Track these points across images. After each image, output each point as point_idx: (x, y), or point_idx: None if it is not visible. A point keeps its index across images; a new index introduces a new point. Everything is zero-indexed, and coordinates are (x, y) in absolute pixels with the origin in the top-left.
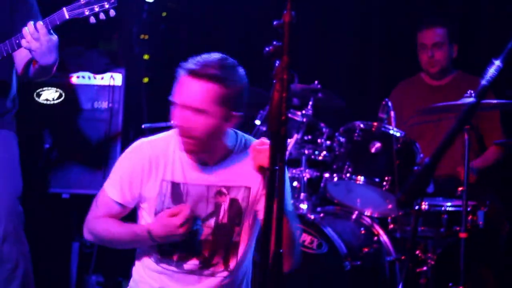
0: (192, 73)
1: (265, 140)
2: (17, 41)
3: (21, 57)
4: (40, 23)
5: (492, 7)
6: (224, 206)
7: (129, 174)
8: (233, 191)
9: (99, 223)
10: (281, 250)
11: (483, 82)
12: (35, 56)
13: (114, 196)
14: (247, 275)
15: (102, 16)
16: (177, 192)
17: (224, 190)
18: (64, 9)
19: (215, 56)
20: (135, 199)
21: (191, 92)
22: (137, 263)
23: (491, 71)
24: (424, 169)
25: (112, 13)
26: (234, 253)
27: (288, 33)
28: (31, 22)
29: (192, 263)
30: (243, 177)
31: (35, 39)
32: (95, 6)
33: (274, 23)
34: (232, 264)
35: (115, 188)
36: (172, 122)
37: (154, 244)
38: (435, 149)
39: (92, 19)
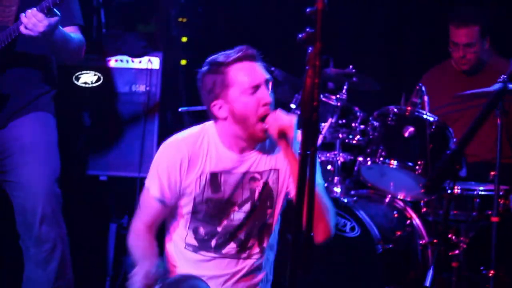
0: (248, 57)
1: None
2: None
3: None
4: (34, 11)
5: None
6: (258, 190)
7: (168, 171)
8: (265, 175)
9: (135, 238)
10: (311, 234)
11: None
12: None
13: (154, 193)
14: (273, 250)
15: None
16: (215, 182)
17: (257, 175)
18: None
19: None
20: (175, 196)
21: (261, 69)
22: (170, 256)
23: None
24: (450, 155)
25: None
26: (267, 234)
27: (320, 20)
28: (29, 11)
29: (230, 247)
30: (271, 160)
31: (33, 26)
32: None
33: (307, 10)
34: (265, 244)
35: (154, 185)
36: (262, 104)
37: (191, 232)
38: (462, 135)
39: None
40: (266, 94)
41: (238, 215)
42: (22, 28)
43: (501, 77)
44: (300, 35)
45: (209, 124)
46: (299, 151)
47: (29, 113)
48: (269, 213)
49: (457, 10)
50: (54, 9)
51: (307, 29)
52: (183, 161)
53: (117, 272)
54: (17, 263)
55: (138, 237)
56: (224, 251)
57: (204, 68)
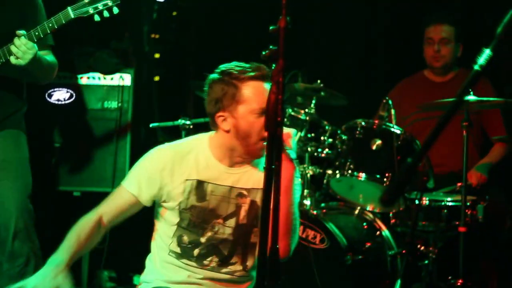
0: (262, 77)
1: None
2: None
3: None
4: (23, 40)
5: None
6: (245, 207)
7: (147, 174)
8: (252, 193)
9: (77, 226)
10: (277, 246)
11: (474, 68)
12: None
13: (130, 188)
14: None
15: (105, 13)
16: (201, 190)
17: (245, 192)
18: (69, 8)
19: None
20: (152, 197)
21: None
22: (153, 257)
23: (483, 58)
24: (406, 169)
25: (115, 10)
26: (252, 253)
27: (283, 38)
28: (17, 40)
29: (212, 260)
30: (260, 179)
31: (23, 54)
32: (99, 4)
33: (270, 28)
34: (250, 264)
35: (132, 182)
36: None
37: (175, 240)
38: (421, 146)
39: (96, 17)
40: None
41: (222, 229)
42: (12, 59)
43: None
44: (263, 53)
45: (203, 136)
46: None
47: (0, 131)
48: (255, 232)
49: (434, 12)
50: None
51: (270, 47)
52: (167, 165)
53: (92, 286)
54: None
55: (79, 227)
56: (205, 262)
57: (216, 75)
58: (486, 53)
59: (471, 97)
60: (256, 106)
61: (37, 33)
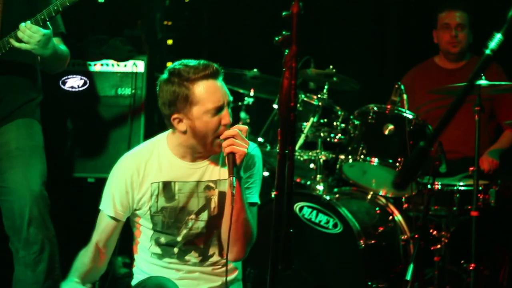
0: (213, 75)
1: (237, 127)
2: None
3: None
4: (28, 24)
5: None
6: (214, 199)
7: (118, 188)
8: (220, 184)
9: (82, 253)
10: (291, 230)
11: (486, 52)
12: (35, 52)
13: (107, 211)
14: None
15: None
16: (169, 191)
17: (212, 184)
18: None
19: (193, 60)
20: (128, 210)
21: (224, 89)
22: (138, 264)
23: (493, 42)
24: (418, 152)
25: None
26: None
27: (296, 24)
28: (22, 25)
29: (192, 256)
30: (226, 170)
31: (29, 38)
32: None
33: (283, 14)
34: (228, 253)
35: (108, 204)
36: (222, 124)
37: (154, 242)
38: (434, 129)
39: None
40: (227, 116)
41: (196, 224)
42: (13, 42)
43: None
44: (276, 38)
45: (161, 136)
46: (238, 177)
47: (14, 120)
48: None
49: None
50: (47, 23)
51: (283, 32)
52: (133, 176)
53: (106, 272)
54: (7, 266)
55: (84, 254)
56: (186, 258)
57: (165, 77)
58: (497, 37)
59: (483, 82)
60: (210, 106)
61: (42, 17)
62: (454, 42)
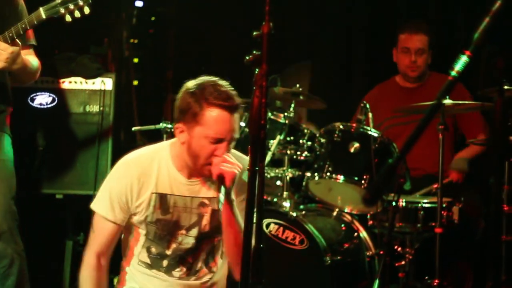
0: (230, 108)
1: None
2: None
3: None
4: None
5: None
6: (206, 217)
7: (118, 193)
8: (214, 201)
9: (85, 273)
10: (261, 245)
11: (452, 74)
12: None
13: (106, 215)
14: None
15: (77, 13)
16: (165, 203)
17: (206, 201)
18: (41, 9)
19: (224, 84)
20: (126, 216)
21: (234, 125)
22: (126, 268)
23: (460, 64)
24: (387, 168)
25: (86, 10)
26: (214, 257)
27: (266, 43)
28: None
29: (180, 271)
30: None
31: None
32: (70, 4)
33: (254, 33)
34: (214, 267)
35: (106, 207)
36: (215, 155)
37: (145, 250)
38: (400, 148)
39: (68, 18)
40: (223, 149)
41: (186, 239)
42: None
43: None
44: (247, 57)
45: (165, 144)
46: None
47: None
48: (217, 238)
49: (409, 22)
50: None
51: (254, 52)
52: (133, 182)
53: (75, 287)
54: None
55: (87, 274)
56: (174, 273)
57: (192, 86)
58: (463, 59)
59: (447, 101)
60: (211, 133)
61: (10, 34)
62: (413, 67)
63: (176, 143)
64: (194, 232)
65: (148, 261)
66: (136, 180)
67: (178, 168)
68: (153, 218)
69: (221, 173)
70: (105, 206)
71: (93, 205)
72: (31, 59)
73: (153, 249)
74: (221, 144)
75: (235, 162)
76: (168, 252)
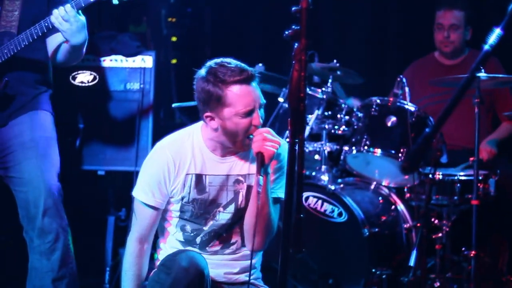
0: (247, 80)
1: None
2: (46, 24)
3: (52, 43)
4: (68, 6)
5: None
6: (242, 192)
7: (156, 178)
8: (249, 178)
9: (129, 263)
10: (302, 215)
11: (485, 48)
12: (66, 36)
13: (147, 201)
14: None
15: None
16: (200, 184)
17: (241, 178)
18: None
19: (230, 60)
20: (166, 199)
21: (257, 93)
22: (162, 246)
23: (493, 37)
24: (425, 138)
25: None
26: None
27: (305, 18)
28: (61, 7)
29: (214, 245)
30: (255, 164)
31: (65, 20)
32: None
33: (293, 8)
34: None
35: (146, 194)
36: (253, 125)
37: (179, 229)
38: (436, 118)
39: (115, 0)
40: (257, 118)
41: (223, 216)
42: (53, 19)
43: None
44: (286, 32)
45: (196, 126)
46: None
47: (28, 112)
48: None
49: None
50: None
51: (293, 27)
52: (170, 166)
53: (116, 262)
54: (22, 255)
55: (130, 262)
56: (208, 248)
57: (202, 75)
58: (497, 32)
59: (482, 75)
60: (240, 108)
61: (78, 3)
62: (446, 42)
63: (206, 128)
64: (231, 208)
65: (182, 238)
66: (172, 163)
67: (211, 148)
68: (190, 198)
69: (260, 151)
70: (145, 193)
71: (134, 192)
72: None
73: (188, 227)
74: (254, 114)
75: (275, 139)
76: (205, 228)
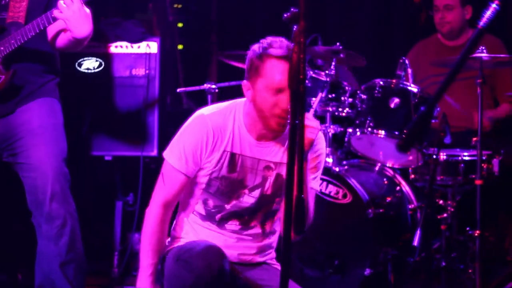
0: (287, 58)
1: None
2: (52, 15)
3: (51, 28)
4: None
5: None
6: (270, 179)
7: (193, 147)
8: (280, 167)
9: (150, 227)
10: (302, 196)
11: (480, 24)
12: (69, 26)
13: (180, 167)
14: (275, 235)
15: None
16: (233, 162)
17: (272, 165)
18: None
19: (283, 39)
20: (197, 169)
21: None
22: (182, 217)
23: (488, 13)
24: (420, 116)
25: None
26: (271, 219)
27: (303, 0)
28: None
29: (233, 224)
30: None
31: (69, 10)
32: None
33: None
34: (268, 227)
35: (179, 160)
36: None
37: (201, 202)
38: (432, 95)
39: None
40: (285, 101)
41: (247, 198)
42: (56, 12)
43: (480, 48)
44: (285, 15)
45: (240, 101)
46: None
47: (35, 99)
48: (277, 201)
49: None
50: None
51: (292, 9)
52: (209, 138)
53: (124, 247)
54: (31, 240)
55: (152, 227)
56: (226, 225)
57: (255, 45)
58: (492, 8)
59: (484, 55)
60: (272, 85)
61: None
62: (442, 23)
63: (247, 103)
64: (256, 193)
65: (203, 212)
66: (212, 136)
67: (248, 128)
68: (219, 174)
69: (309, 139)
70: (178, 158)
71: (167, 155)
72: None
73: (210, 202)
74: (282, 94)
75: (315, 126)
76: (227, 207)
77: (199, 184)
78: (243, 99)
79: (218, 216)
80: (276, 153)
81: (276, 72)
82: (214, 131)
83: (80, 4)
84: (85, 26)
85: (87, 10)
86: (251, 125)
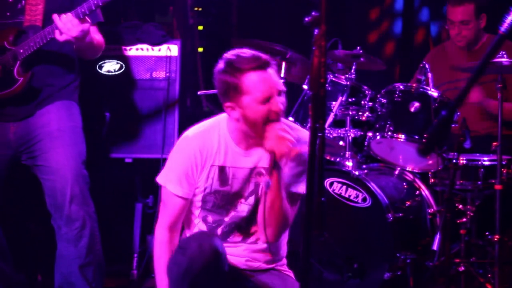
0: (262, 66)
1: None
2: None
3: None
4: (68, 15)
5: None
6: (262, 185)
7: (184, 169)
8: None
9: (159, 250)
10: (323, 199)
11: (502, 29)
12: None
13: (176, 192)
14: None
15: None
16: (223, 175)
17: (263, 170)
18: None
19: (245, 50)
20: (193, 189)
21: (274, 79)
22: (186, 233)
23: (510, 18)
24: (440, 120)
25: None
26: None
27: (325, 3)
28: (64, 16)
29: (235, 236)
30: None
31: (67, 31)
32: None
33: None
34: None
35: (174, 184)
36: (272, 110)
37: (201, 220)
38: (453, 100)
39: None
40: (277, 104)
41: (243, 207)
42: (57, 35)
43: (500, 53)
44: (306, 19)
45: (223, 117)
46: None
47: (54, 102)
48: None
49: None
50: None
51: (313, 13)
52: (196, 158)
53: (144, 249)
54: (51, 242)
55: (161, 250)
56: (229, 239)
57: (220, 67)
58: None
59: (504, 60)
60: (258, 95)
61: (83, 10)
62: (458, 38)
63: (231, 120)
64: (250, 200)
65: (205, 228)
66: (199, 154)
67: (236, 141)
68: (212, 189)
69: (272, 149)
70: (173, 183)
71: (162, 181)
72: (97, 36)
73: (209, 218)
74: (271, 101)
75: (289, 137)
76: (226, 219)
77: (195, 203)
78: (224, 115)
79: (219, 231)
80: (266, 159)
81: (258, 84)
82: (201, 150)
83: (76, 22)
84: (82, 41)
85: (85, 25)
86: (241, 138)
